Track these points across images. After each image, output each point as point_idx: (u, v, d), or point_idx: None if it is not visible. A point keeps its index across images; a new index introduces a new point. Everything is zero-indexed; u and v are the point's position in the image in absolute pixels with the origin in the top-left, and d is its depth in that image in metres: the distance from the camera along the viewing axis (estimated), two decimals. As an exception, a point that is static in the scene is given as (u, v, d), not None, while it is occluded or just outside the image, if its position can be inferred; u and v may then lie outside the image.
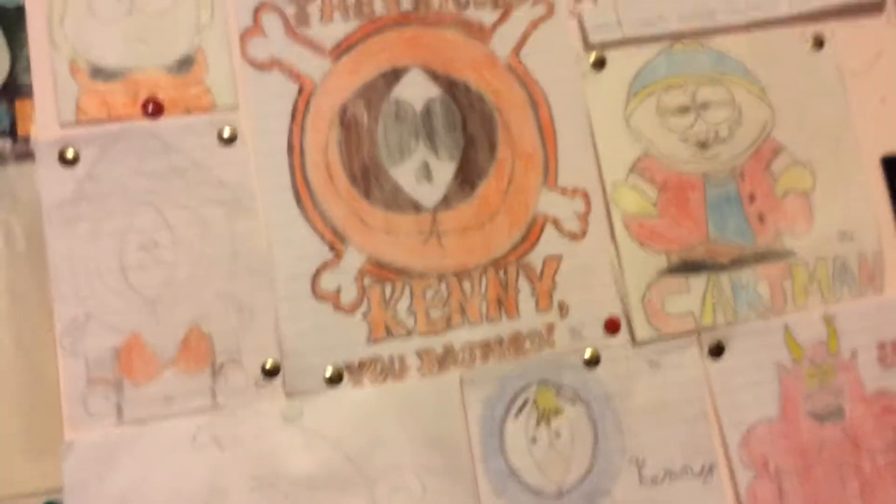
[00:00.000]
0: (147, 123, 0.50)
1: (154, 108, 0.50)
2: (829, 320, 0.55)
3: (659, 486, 0.51)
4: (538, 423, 0.51)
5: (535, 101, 0.55)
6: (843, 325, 0.55)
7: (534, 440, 0.51)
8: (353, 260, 0.51)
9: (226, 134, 0.51)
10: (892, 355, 0.55)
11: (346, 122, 0.52)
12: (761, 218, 0.56)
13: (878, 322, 0.55)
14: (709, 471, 0.52)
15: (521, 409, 0.51)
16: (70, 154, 0.49)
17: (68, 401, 0.46)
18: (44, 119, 0.49)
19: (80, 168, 0.49)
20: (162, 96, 0.50)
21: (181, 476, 0.46)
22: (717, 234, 0.55)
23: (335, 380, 0.49)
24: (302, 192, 0.51)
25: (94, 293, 0.48)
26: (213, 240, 0.50)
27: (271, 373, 0.49)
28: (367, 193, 0.52)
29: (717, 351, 0.53)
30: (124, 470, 0.46)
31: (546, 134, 0.55)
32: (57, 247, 0.48)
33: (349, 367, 0.50)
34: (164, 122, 0.50)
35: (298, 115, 0.52)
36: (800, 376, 0.54)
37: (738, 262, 0.55)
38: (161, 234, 0.49)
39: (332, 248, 0.51)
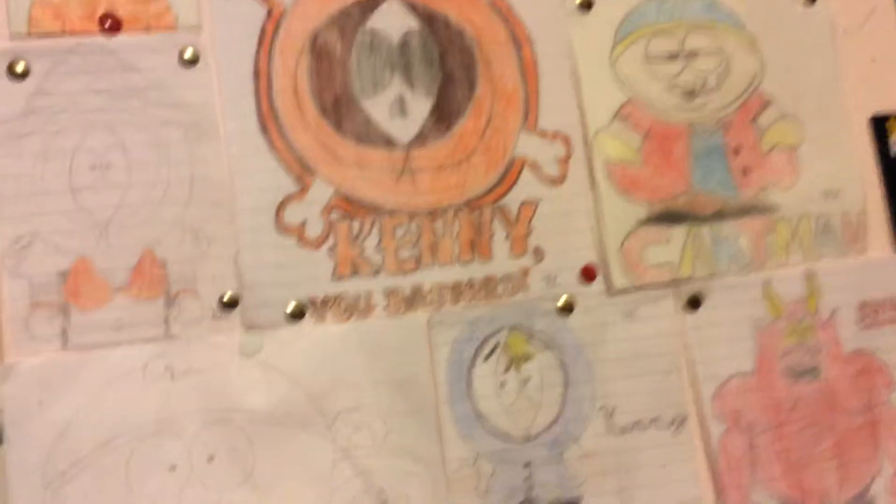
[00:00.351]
0: (103, 39, 0.48)
1: (112, 24, 0.48)
2: (810, 278, 0.54)
3: (628, 435, 0.50)
4: (507, 368, 0.50)
5: (518, 40, 0.53)
6: (825, 283, 0.54)
7: (502, 385, 0.50)
8: (321, 193, 0.49)
9: (187, 54, 0.49)
10: (872, 316, 0.55)
11: (318, 50, 0.50)
12: (746, 171, 0.55)
13: (860, 282, 0.55)
14: (680, 422, 0.51)
15: (490, 354, 0.50)
16: (20, 67, 0.47)
17: (9, 323, 0.44)
18: (-8, 29, 0.47)
19: (30, 82, 0.47)
20: (121, 11, 0.48)
21: (129, 405, 0.45)
22: (700, 186, 0.54)
23: (297, 315, 0.48)
24: (267, 119, 0.49)
25: (41, 213, 0.46)
26: (170, 163, 0.48)
27: (230, 305, 0.47)
28: (337, 125, 0.50)
29: (694, 303, 0.53)
30: (68, 397, 0.44)
31: (528, 74, 0.53)
32: (2, 164, 0.46)
33: (312, 303, 0.48)
34: (121, 39, 0.48)
35: (266, 39, 0.50)
36: (777, 332, 0.53)
37: (720, 215, 0.54)
38: (115, 155, 0.47)
39: (298, 179, 0.49)
